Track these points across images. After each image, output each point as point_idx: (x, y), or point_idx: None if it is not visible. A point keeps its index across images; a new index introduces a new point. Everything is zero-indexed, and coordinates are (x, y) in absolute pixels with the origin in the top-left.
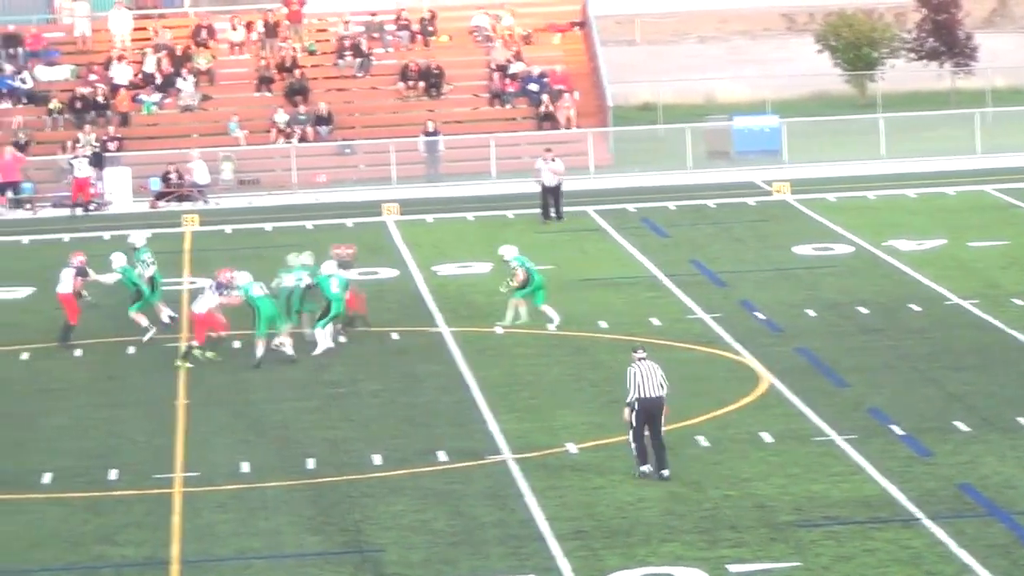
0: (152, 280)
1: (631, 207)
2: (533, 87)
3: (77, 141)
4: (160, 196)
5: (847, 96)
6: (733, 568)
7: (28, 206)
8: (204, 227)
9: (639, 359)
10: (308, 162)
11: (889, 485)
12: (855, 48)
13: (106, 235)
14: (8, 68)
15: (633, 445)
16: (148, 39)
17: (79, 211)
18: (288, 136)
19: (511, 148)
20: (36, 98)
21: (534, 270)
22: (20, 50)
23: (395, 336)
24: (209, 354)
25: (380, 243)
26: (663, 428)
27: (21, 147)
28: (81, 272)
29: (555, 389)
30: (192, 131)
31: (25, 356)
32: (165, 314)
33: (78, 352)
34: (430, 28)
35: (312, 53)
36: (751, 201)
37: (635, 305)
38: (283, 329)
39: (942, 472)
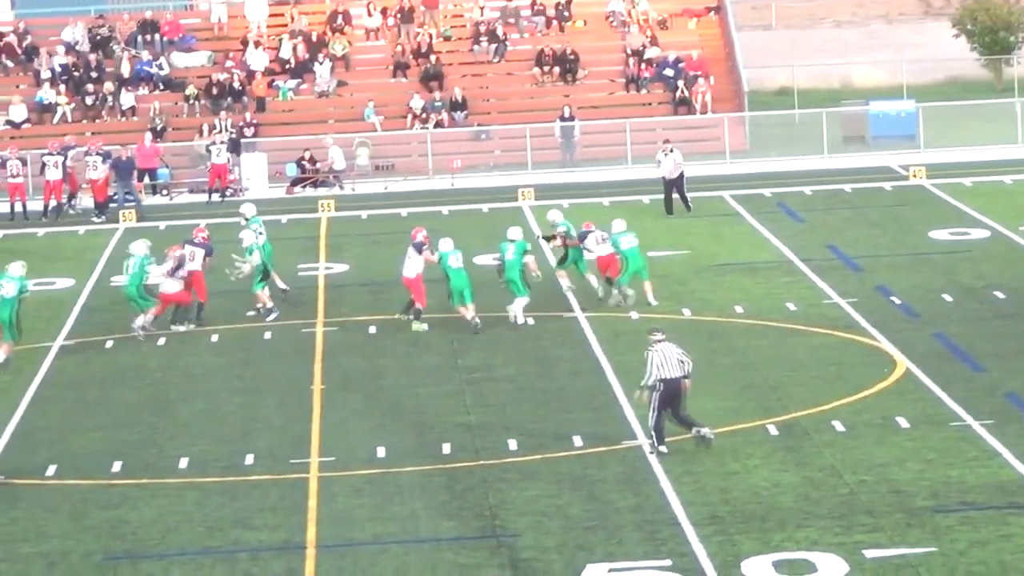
0: (263, 250)
1: (767, 192)
2: (669, 72)
3: (214, 127)
4: (296, 182)
5: (983, 80)
6: (869, 553)
7: (165, 192)
8: (340, 212)
9: (656, 341)
10: (444, 147)
11: None
12: (991, 32)
13: (243, 221)
14: (145, 55)
15: (652, 426)
16: (284, 25)
17: (216, 197)
18: (424, 122)
19: (647, 133)
20: (173, 84)
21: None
22: (157, 37)
23: (530, 321)
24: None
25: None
26: (684, 407)
27: (158, 133)
28: (207, 249)
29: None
30: (328, 117)
31: (161, 341)
32: (279, 285)
33: (214, 337)
34: (565, 13)
35: (448, 39)
36: (887, 186)
37: (771, 290)
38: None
39: None
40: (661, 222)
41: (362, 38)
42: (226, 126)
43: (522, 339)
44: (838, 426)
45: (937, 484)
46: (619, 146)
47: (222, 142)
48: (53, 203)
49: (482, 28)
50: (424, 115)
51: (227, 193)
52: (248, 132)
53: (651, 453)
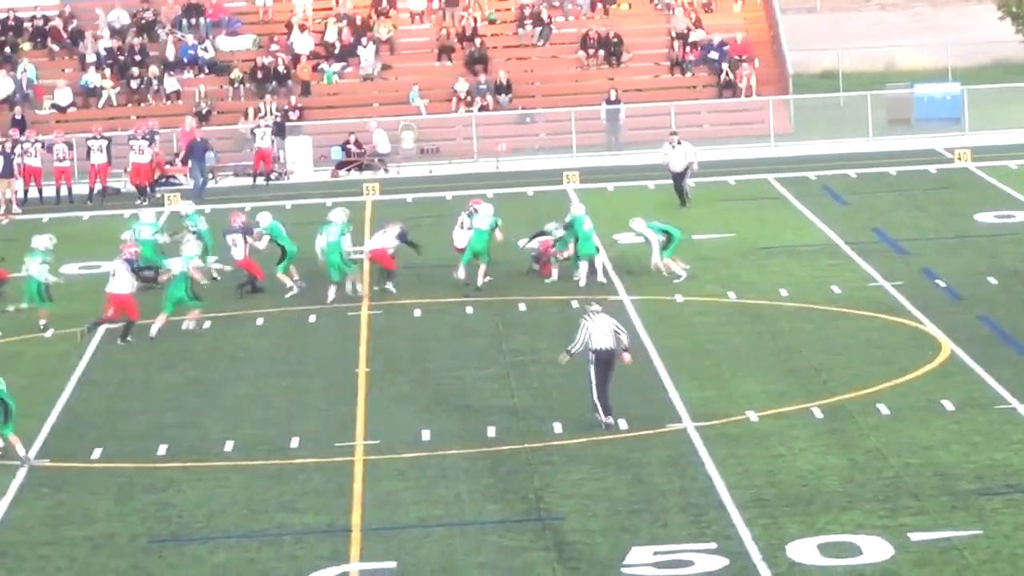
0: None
1: (811, 175)
2: (713, 55)
3: (258, 111)
4: (341, 165)
5: None
6: (914, 536)
7: (210, 175)
8: (384, 196)
9: (593, 312)
10: (488, 131)
11: None
12: None
13: (287, 204)
14: (190, 38)
15: (594, 396)
16: (329, 8)
17: (260, 181)
18: (468, 105)
19: (692, 116)
20: (218, 68)
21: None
22: (202, 20)
23: (575, 304)
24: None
25: (560, 211)
26: (611, 378)
27: (203, 117)
28: (247, 231)
29: (735, 357)
30: (373, 100)
31: (207, 324)
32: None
33: (259, 320)
34: None
35: (493, 22)
36: (932, 169)
37: (815, 273)
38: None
39: None
40: (704, 206)
41: (407, 21)
42: (271, 110)
43: (567, 322)
44: (883, 409)
45: (982, 467)
46: (664, 129)
47: (267, 126)
48: (98, 187)
49: (527, 11)
50: (469, 98)
51: (272, 177)
52: (293, 116)
53: (603, 425)
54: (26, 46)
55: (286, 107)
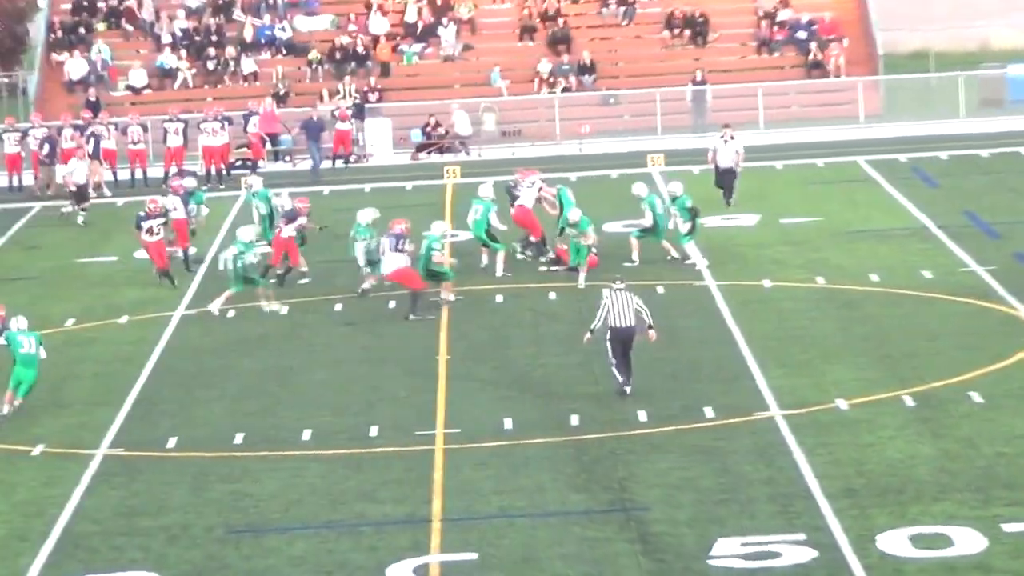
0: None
1: (902, 157)
2: (801, 35)
3: (337, 92)
4: (421, 148)
5: None
6: (1008, 527)
7: (287, 159)
8: (465, 179)
9: (616, 289)
10: (571, 112)
11: None
12: None
13: (366, 187)
14: (267, 18)
15: (613, 369)
16: None
17: (339, 164)
18: (551, 86)
19: (779, 97)
20: (295, 48)
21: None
22: (279, 0)
23: (660, 290)
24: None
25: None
26: (631, 354)
27: (280, 98)
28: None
29: (824, 343)
30: (454, 81)
31: (285, 311)
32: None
33: (338, 306)
34: None
35: (576, 1)
36: None
37: (906, 257)
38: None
39: None
40: (793, 189)
41: (488, 1)
42: (350, 91)
43: (652, 308)
44: (975, 397)
45: None
46: (751, 110)
47: (346, 108)
48: (173, 170)
49: None
50: (551, 79)
51: (351, 159)
52: (372, 97)
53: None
54: (100, 27)
55: (365, 88)
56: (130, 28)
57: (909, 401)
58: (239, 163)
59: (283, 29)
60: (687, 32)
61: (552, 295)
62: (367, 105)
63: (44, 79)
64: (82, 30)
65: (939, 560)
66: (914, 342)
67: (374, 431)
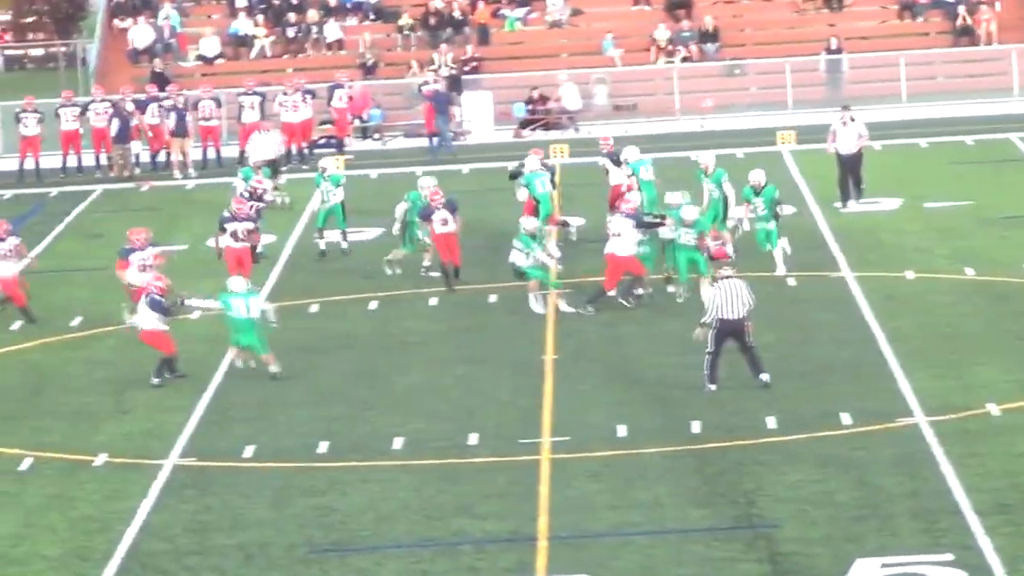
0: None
1: None
2: None
3: (431, 62)
4: (525, 124)
5: None
6: None
7: (377, 136)
8: (574, 159)
9: (723, 278)
10: (692, 84)
11: None
12: None
13: (464, 168)
14: None
15: (707, 365)
16: None
17: (435, 141)
18: (670, 55)
19: (924, 68)
20: (385, 14)
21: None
22: None
23: (791, 282)
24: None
25: (774, 175)
26: (749, 340)
27: (368, 69)
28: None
29: (975, 342)
30: (561, 50)
31: (374, 306)
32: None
33: (432, 301)
34: None
35: None
36: None
37: None
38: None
39: None
40: (939, 170)
41: None
42: (445, 61)
43: (782, 302)
44: None
45: None
46: (893, 82)
47: (435, 81)
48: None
49: None
50: (670, 48)
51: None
52: (470, 68)
53: (705, 389)
54: None
55: (463, 58)
56: None
57: None
58: (322, 141)
59: None
60: None
61: (671, 288)
62: (464, 77)
63: (105, 48)
64: None
65: None
66: None
67: (473, 439)
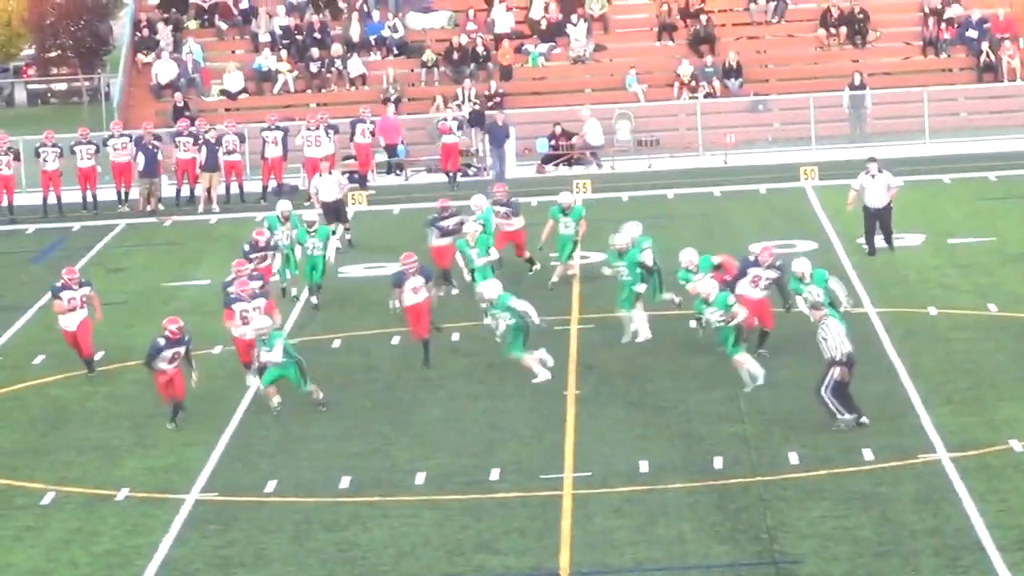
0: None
1: None
2: (972, 34)
3: (455, 97)
4: (548, 159)
5: None
6: None
7: (399, 171)
8: (597, 194)
9: (823, 317)
10: (715, 120)
11: None
12: None
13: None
14: (377, 15)
15: (830, 401)
16: None
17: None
18: (693, 91)
19: (947, 104)
20: (408, 49)
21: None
22: None
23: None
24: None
25: (797, 211)
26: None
27: (392, 104)
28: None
29: (997, 378)
30: (584, 85)
31: (396, 340)
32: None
33: (455, 336)
34: None
35: None
36: None
37: None
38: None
39: None
40: (963, 206)
41: None
42: (468, 96)
43: (803, 337)
44: None
45: None
46: (916, 118)
47: (454, 118)
48: (272, 184)
49: None
50: (693, 83)
51: (457, 176)
52: (493, 103)
53: (854, 424)
54: (191, 24)
55: (486, 93)
56: (224, 26)
57: None
58: (345, 175)
59: (394, 28)
60: (844, 31)
61: (693, 323)
62: (487, 112)
63: (129, 83)
64: (171, 29)
65: None
66: None
67: (495, 474)
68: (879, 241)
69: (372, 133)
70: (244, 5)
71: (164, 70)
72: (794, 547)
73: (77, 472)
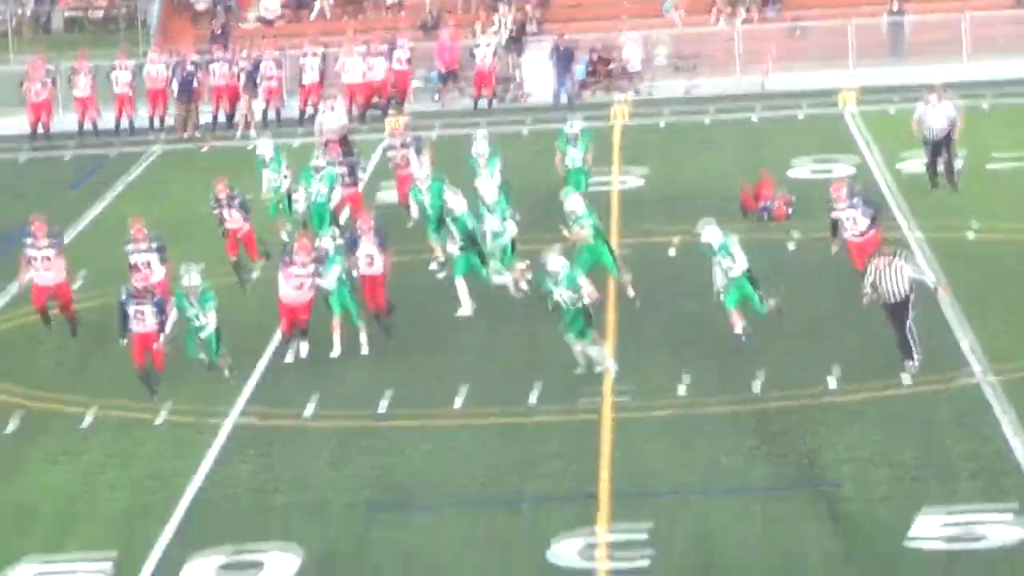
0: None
1: None
2: None
3: (491, 24)
4: (585, 84)
5: None
6: None
7: (436, 97)
8: (634, 120)
9: (883, 256)
10: (753, 45)
11: None
12: None
13: (524, 130)
14: None
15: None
16: None
17: (483, 103)
18: (731, 15)
19: (986, 28)
20: None
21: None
22: None
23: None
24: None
25: (836, 136)
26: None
27: (427, 30)
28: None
29: None
30: (622, 12)
31: (434, 266)
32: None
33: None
34: None
35: None
36: None
37: None
38: None
39: None
40: (1004, 128)
41: None
42: (506, 22)
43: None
44: None
45: None
46: (955, 40)
47: (487, 44)
48: (311, 110)
49: None
50: (731, 8)
51: (492, 101)
52: (530, 28)
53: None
54: None
55: (522, 18)
56: None
57: None
58: (381, 100)
59: None
60: None
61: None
62: (524, 37)
63: (165, 9)
64: None
65: None
66: None
67: (534, 397)
68: (941, 173)
69: (408, 60)
70: None
71: None
72: (832, 470)
73: (117, 395)
